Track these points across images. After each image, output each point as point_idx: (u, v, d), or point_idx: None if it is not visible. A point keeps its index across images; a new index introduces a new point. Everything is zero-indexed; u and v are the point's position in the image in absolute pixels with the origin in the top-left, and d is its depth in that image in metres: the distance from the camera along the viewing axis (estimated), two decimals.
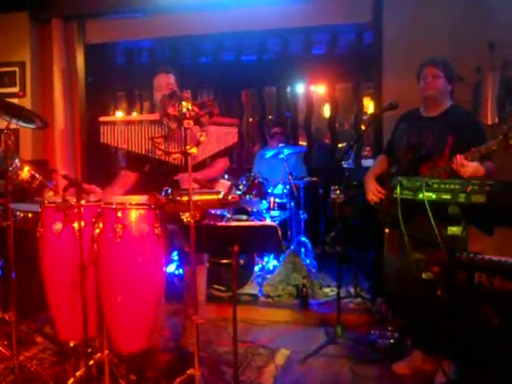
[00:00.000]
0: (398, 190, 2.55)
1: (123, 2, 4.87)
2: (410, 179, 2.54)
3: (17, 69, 5.15)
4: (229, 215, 4.48)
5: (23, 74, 5.12)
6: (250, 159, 6.91)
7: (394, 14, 4.29)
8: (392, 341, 3.55)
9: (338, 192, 3.65)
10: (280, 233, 2.68)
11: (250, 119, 8.28)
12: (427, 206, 2.36)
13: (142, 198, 2.77)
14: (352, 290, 4.38)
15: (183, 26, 4.86)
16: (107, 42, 5.29)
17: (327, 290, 4.51)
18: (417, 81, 3.21)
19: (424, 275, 2.54)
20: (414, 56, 3.89)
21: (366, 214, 3.58)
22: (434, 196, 2.39)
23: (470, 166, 2.77)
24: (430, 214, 2.33)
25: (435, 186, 2.40)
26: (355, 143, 5.58)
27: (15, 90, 5.11)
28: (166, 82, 3.21)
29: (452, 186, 2.36)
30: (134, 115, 6.42)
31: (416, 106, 3.31)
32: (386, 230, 3.31)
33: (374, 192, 3.29)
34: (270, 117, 7.80)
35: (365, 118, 4.71)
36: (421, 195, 2.42)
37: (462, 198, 2.34)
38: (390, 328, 3.62)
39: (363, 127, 6.84)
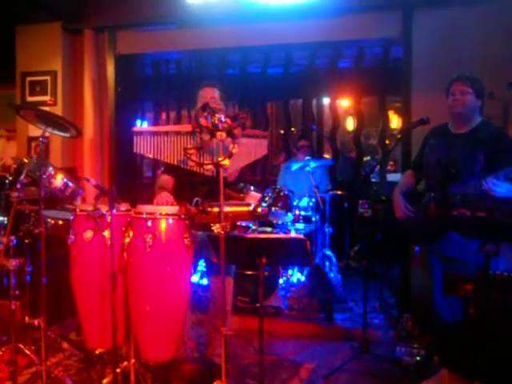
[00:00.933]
0: (431, 206, 2.53)
1: (154, 14, 4.93)
2: (443, 195, 2.52)
3: (49, 78, 5.24)
4: (254, 227, 4.50)
5: (55, 82, 5.21)
6: (274, 171, 6.92)
7: (424, 28, 4.29)
8: (418, 358, 3.50)
9: (366, 206, 3.63)
10: (309, 246, 2.67)
11: (281, 131, 8.29)
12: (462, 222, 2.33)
13: (173, 208, 2.79)
14: (377, 306, 4.33)
15: (211, 38, 4.90)
16: (136, 52, 5.37)
17: (352, 304, 4.47)
18: (446, 97, 3.19)
19: (455, 292, 2.51)
20: (444, 71, 3.90)
21: (393, 229, 3.55)
22: (468, 213, 2.37)
23: (502, 187, 2.73)
24: (464, 231, 2.31)
25: (470, 203, 2.37)
26: (384, 158, 5.55)
27: (46, 98, 5.19)
28: (210, 95, 3.23)
29: (487, 204, 2.34)
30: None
31: (447, 121, 3.28)
32: (414, 246, 3.28)
33: (403, 209, 3.26)
34: (292, 129, 7.80)
35: (395, 132, 4.68)
36: (455, 212, 2.40)
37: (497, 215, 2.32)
38: (416, 345, 3.56)
39: (387, 141, 6.83)
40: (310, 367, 3.52)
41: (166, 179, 3.41)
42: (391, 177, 6.87)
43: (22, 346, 3.22)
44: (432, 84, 4.09)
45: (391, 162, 7.86)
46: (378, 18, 4.50)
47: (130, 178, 5.44)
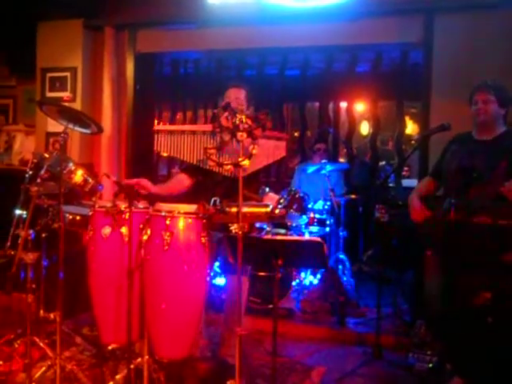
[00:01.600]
0: (451, 212, 2.52)
1: (174, 13, 4.95)
2: (463, 202, 2.50)
3: (68, 74, 5.27)
4: (268, 228, 4.51)
5: (74, 79, 5.24)
6: (289, 173, 6.92)
7: (446, 33, 4.25)
8: (430, 365, 3.48)
9: (383, 211, 3.62)
10: (325, 249, 2.67)
11: (296, 134, 8.29)
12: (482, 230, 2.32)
13: (191, 207, 2.80)
14: (390, 311, 4.31)
15: (230, 39, 4.91)
16: (156, 51, 5.38)
17: (365, 309, 4.46)
18: (469, 105, 3.17)
19: (472, 301, 2.49)
20: (466, 77, 3.88)
21: (408, 234, 3.53)
22: (488, 220, 2.35)
23: None
24: (484, 239, 2.29)
25: (490, 210, 2.36)
26: (401, 163, 5.53)
27: (66, 94, 5.22)
28: (235, 95, 3.23)
29: (508, 212, 2.32)
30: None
31: (466, 128, 3.26)
32: (429, 252, 3.26)
33: (419, 212, 3.23)
34: (308, 132, 7.80)
35: (415, 137, 4.65)
36: (475, 219, 2.39)
37: None
38: (428, 352, 3.54)
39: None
40: (321, 370, 3.52)
41: (182, 178, 3.43)
42: (406, 182, 6.84)
43: (36, 339, 3.25)
44: (453, 90, 4.06)
45: (406, 168, 7.83)
46: (399, 23, 4.47)
47: (146, 176, 5.43)
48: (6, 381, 3.17)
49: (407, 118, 8.06)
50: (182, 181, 3.41)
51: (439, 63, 4.27)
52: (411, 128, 8.90)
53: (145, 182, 3.11)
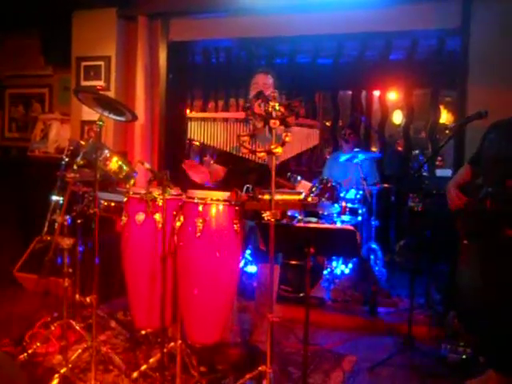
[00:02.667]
0: (487, 202, 2.47)
1: (206, 2, 4.95)
2: (500, 191, 2.45)
3: (102, 63, 5.33)
4: (299, 217, 4.50)
5: (108, 68, 5.30)
6: (320, 162, 6.89)
7: (484, 19, 4.15)
8: (464, 356, 3.44)
9: (417, 200, 3.57)
10: (358, 237, 2.66)
11: (327, 123, 8.23)
12: None
13: (224, 194, 2.82)
14: (422, 301, 4.27)
15: (261, 27, 4.89)
16: (188, 40, 5.40)
17: (396, 299, 4.42)
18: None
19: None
20: (504, 64, 3.79)
21: (442, 224, 3.48)
22: None
23: None
24: None
25: None
26: (437, 152, 5.43)
27: (100, 83, 5.28)
28: (262, 81, 3.25)
29: None
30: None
31: (503, 116, 3.18)
32: (465, 242, 3.20)
33: (457, 200, 3.17)
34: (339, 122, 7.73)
35: (451, 125, 4.55)
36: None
37: None
38: (461, 343, 3.50)
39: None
40: (352, 359, 3.51)
41: (217, 169, 3.46)
42: (439, 172, 6.75)
43: (72, 323, 3.33)
44: (491, 77, 3.97)
45: (439, 158, 7.71)
46: (435, 9, 4.37)
47: (178, 164, 5.50)
48: (43, 362, 3.25)
49: (442, 107, 7.91)
50: (218, 172, 3.44)
51: (476, 50, 4.17)
52: (445, 117, 8.74)
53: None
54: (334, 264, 4.63)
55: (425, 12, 4.40)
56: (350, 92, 7.42)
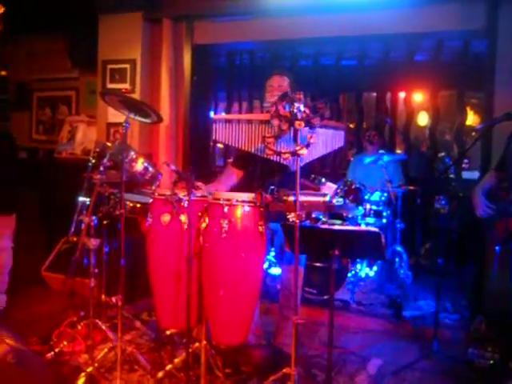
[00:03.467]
0: None
1: (230, 4, 4.97)
2: None
3: (128, 66, 5.39)
4: (324, 219, 4.48)
5: (134, 71, 5.35)
6: (344, 164, 6.85)
7: (510, 20, 4.09)
8: (491, 362, 3.37)
9: (443, 202, 3.52)
10: (383, 239, 2.64)
11: (351, 125, 8.18)
12: None
13: (249, 196, 2.82)
14: (448, 305, 4.21)
15: (285, 29, 4.88)
16: (212, 43, 5.43)
17: (422, 302, 4.38)
18: None
19: None
20: None
21: (469, 227, 3.43)
22: None
23: None
24: None
25: None
26: (461, 155, 5.36)
27: (125, 86, 5.34)
28: (278, 83, 3.25)
29: None
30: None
31: None
32: (496, 247, 3.15)
33: (483, 207, 3.13)
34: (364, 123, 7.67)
35: (478, 127, 4.48)
36: None
37: None
38: (489, 348, 3.43)
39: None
40: (377, 363, 3.48)
41: (231, 172, 3.47)
42: (466, 174, 6.65)
43: (98, 322, 3.37)
44: None
45: (465, 160, 7.59)
46: (460, 9, 4.31)
47: (202, 166, 5.55)
48: (70, 361, 3.30)
49: (468, 109, 7.80)
50: (232, 175, 3.45)
51: (503, 51, 4.11)
52: (472, 119, 8.61)
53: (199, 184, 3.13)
54: (359, 266, 4.60)
55: (449, 13, 4.36)
56: (375, 94, 7.36)
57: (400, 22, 4.52)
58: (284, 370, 2.64)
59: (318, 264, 4.29)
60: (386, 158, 4.85)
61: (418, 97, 7.62)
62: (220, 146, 7.21)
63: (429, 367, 3.40)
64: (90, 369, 3.04)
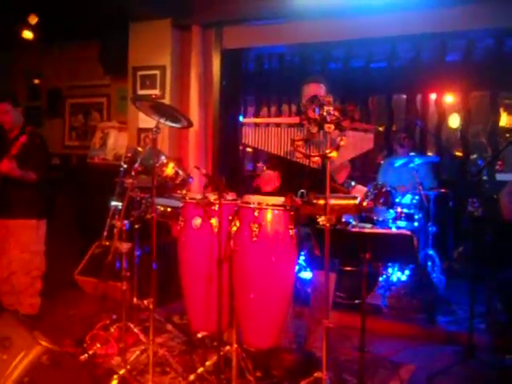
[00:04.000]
0: None
1: (259, 8, 4.98)
2: None
3: (158, 72, 5.47)
4: (354, 222, 4.45)
5: (163, 77, 5.43)
6: (374, 168, 6.79)
7: None
8: None
9: (476, 205, 3.46)
10: (416, 243, 2.60)
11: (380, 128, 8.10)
12: None
13: (279, 199, 2.82)
14: (483, 310, 4.12)
15: (314, 32, 4.87)
16: (241, 47, 5.47)
17: (455, 307, 4.30)
18: None
19: None
20: None
21: (504, 230, 3.36)
22: None
23: None
24: None
25: None
26: (498, 156, 5.26)
27: (155, 91, 5.42)
28: (314, 92, 3.19)
29: None
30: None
31: None
32: None
33: (507, 209, 3.07)
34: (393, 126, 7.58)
35: None
36: None
37: None
38: None
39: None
40: (410, 368, 3.43)
41: (270, 174, 3.44)
42: (500, 176, 6.51)
43: (131, 325, 3.41)
44: None
45: (499, 162, 7.44)
46: (491, 7, 4.24)
47: (231, 170, 5.57)
48: (103, 363, 3.35)
49: (501, 110, 7.64)
50: (271, 177, 3.41)
51: None
52: (505, 120, 8.43)
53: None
54: (390, 271, 4.55)
55: (481, 11, 4.29)
56: (405, 96, 7.28)
57: (430, 22, 4.47)
58: (315, 375, 2.63)
59: (347, 268, 4.25)
60: (417, 160, 4.78)
61: (450, 98, 7.50)
62: (249, 150, 7.22)
63: (463, 373, 3.33)
64: (122, 371, 3.08)
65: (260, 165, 3.87)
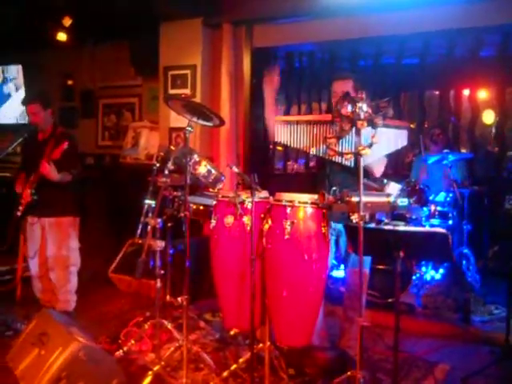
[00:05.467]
0: None
1: (289, 6, 4.97)
2: None
3: (188, 71, 5.50)
4: (386, 220, 4.40)
5: (194, 76, 5.46)
6: (406, 165, 6.71)
7: None
8: None
9: None
10: (450, 241, 2.56)
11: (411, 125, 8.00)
12: None
13: (311, 197, 2.81)
14: None
15: (344, 29, 4.83)
16: (271, 45, 5.45)
17: (491, 307, 4.21)
18: None
19: None
20: None
21: None
22: None
23: None
24: None
25: None
26: None
27: (186, 91, 5.45)
28: (341, 88, 3.17)
29: None
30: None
31: None
32: None
33: None
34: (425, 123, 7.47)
35: None
36: None
37: None
38: None
39: None
40: (445, 368, 3.38)
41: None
42: None
43: (164, 322, 3.45)
44: None
45: None
46: None
47: (262, 169, 5.57)
48: (137, 359, 3.40)
49: None
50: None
51: None
52: None
53: None
54: (424, 269, 4.48)
55: None
56: (437, 92, 7.16)
57: (463, 17, 4.37)
58: (349, 373, 2.62)
59: (380, 266, 4.21)
60: (451, 157, 4.70)
61: (484, 94, 7.35)
62: (279, 148, 7.21)
63: (500, 374, 3.27)
64: (156, 367, 3.11)
65: (291, 163, 3.87)
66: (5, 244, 4.56)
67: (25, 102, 4.25)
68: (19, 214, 3.99)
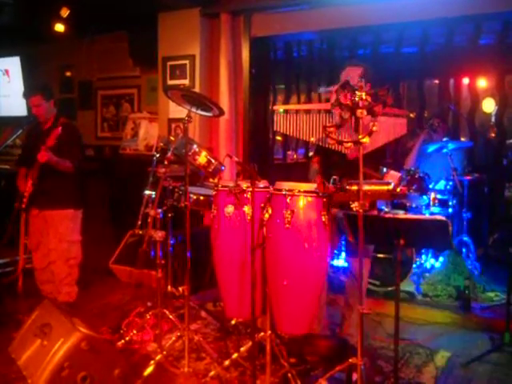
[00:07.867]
0: None
1: None
2: None
3: (187, 62, 5.48)
4: (386, 209, 4.41)
5: (193, 66, 5.44)
6: (405, 154, 6.69)
7: None
8: None
9: None
10: (450, 228, 2.57)
11: (411, 115, 7.98)
12: None
13: (311, 186, 2.81)
14: None
15: (343, 17, 4.81)
16: (270, 35, 5.42)
17: (491, 294, 4.24)
18: None
19: None
20: None
21: None
22: None
23: None
24: None
25: None
26: None
27: (185, 81, 5.44)
28: (349, 74, 3.15)
29: None
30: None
31: None
32: None
33: None
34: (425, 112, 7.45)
35: None
36: None
37: None
38: None
39: None
40: (445, 355, 3.40)
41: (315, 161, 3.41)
42: None
43: (166, 312, 3.46)
44: None
45: None
46: None
47: (262, 159, 5.57)
48: (139, 349, 3.41)
49: None
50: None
51: None
52: None
53: None
54: (424, 257, 4.50)
55: None
56: (437, 81, 7.14)
57: (463, 4, 4.35)
58: (350, 360, 2.63)
59: (380, 255, 4.22)
60: (450, 145, 4.71)
61: (483, 82, 7.33)
62: (279, 138, 7.20)
63: (500, 360, 3.30)
64: (158, 357, 3.13)
65: (290, 153, 3.82)
66: (5, 236, 4.57)
67: (26, 94, 4.24)
68: (23, 206, 4.00)
